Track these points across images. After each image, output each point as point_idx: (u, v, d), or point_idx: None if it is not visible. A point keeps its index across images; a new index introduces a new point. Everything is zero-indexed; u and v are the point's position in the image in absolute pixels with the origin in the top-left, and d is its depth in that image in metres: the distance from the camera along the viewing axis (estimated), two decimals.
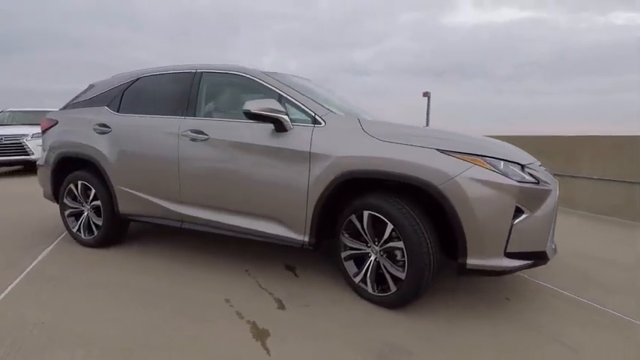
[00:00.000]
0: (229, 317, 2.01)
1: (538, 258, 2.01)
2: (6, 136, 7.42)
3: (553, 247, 2.16)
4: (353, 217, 2.17)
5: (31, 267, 2.68)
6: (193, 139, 2.55)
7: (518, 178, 1.92)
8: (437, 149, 1.95)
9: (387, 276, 2.06)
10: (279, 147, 2.27)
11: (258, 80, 2.53)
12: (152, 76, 2.99)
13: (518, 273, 2.52)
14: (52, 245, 3.16)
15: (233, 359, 1.66)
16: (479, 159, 1.91)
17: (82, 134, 3.02)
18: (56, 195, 3.24)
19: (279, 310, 2.11)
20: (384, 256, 2.09)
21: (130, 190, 2.82)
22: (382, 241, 2.07)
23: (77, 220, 3.14)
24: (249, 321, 1.97)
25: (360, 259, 2.24)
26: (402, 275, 1.98)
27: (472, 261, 1.89)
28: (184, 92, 2.72)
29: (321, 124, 2.25)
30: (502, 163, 1.94)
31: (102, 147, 2.90)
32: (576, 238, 3.64)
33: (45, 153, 3.28)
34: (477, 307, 2.17)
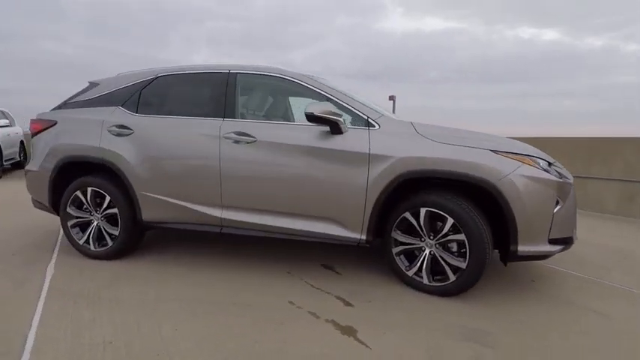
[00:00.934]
0: (305, 318, 2.03)
1: (567, 243, 2.33)
2: None
3: (576, 234, 2.52)
4: (407, 214, 2.31)
5: (46, 284, 2.40)
6: (237, 142, 2.50)
7: (556, 175, 2.23)
8: (490, 150, 2.18)
9: (446, 267, 2.24)
10: (336, 149, 2.33)
11: (303, 83, 2.55)
12: (173, 76, 2.83)
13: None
14: (54, 259, 2.84)
15: (339, 357, 1.70)
16: (527, 158, 2.18)
17: (93, 136, 2.75)
18: (55, 205, 2.90)
19: (347, 307, 2.17)
20: (440, 248, 2.26)
21: (157, 196, 2.65)
22: (440, 235, 2.24)
23: (83, 231, 2.85)
24: (328, 320, 2.01)
25: (410, 254, 2.39)
26: (463, 265, 2.17)
27: (523, 248, 2.14)
28: (219, 93, 2.63)
29: (374, 126, 2.36)
30: (541, 161, 2.23)
31: (121, 150, 2.67)
32: None
33: (39, 157, 2.91)
34: (512, 289, 2.44)
